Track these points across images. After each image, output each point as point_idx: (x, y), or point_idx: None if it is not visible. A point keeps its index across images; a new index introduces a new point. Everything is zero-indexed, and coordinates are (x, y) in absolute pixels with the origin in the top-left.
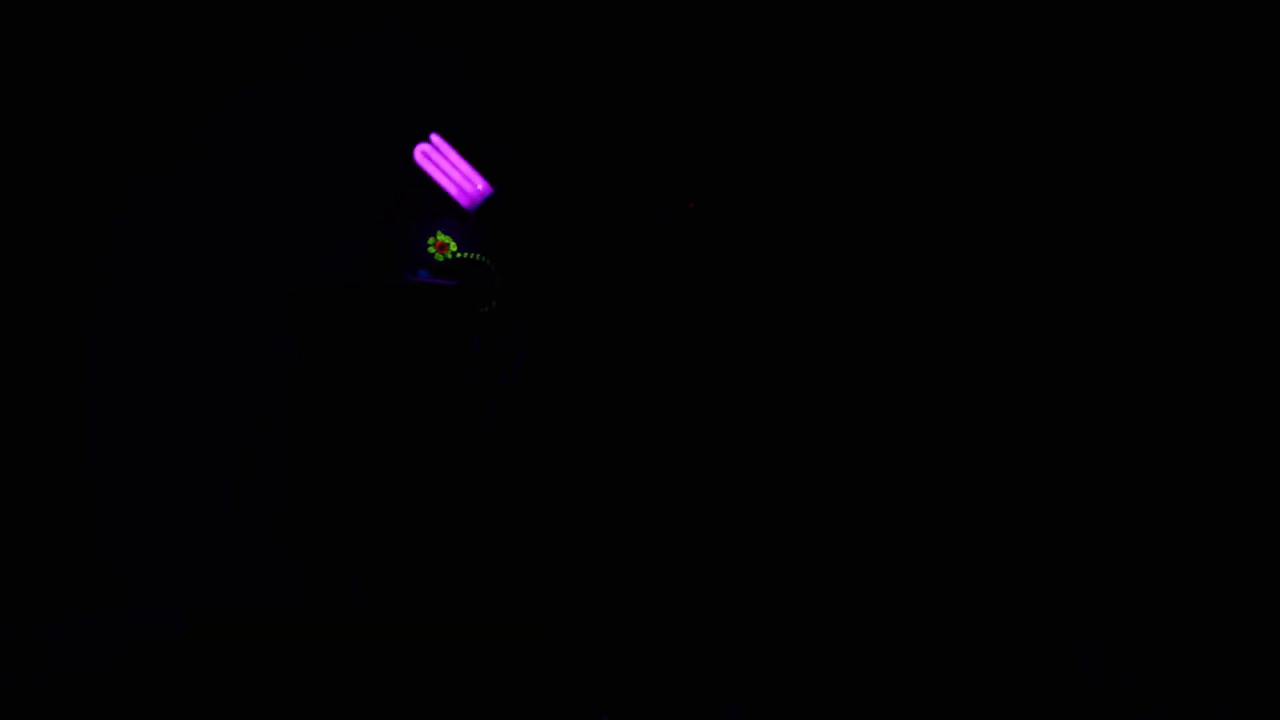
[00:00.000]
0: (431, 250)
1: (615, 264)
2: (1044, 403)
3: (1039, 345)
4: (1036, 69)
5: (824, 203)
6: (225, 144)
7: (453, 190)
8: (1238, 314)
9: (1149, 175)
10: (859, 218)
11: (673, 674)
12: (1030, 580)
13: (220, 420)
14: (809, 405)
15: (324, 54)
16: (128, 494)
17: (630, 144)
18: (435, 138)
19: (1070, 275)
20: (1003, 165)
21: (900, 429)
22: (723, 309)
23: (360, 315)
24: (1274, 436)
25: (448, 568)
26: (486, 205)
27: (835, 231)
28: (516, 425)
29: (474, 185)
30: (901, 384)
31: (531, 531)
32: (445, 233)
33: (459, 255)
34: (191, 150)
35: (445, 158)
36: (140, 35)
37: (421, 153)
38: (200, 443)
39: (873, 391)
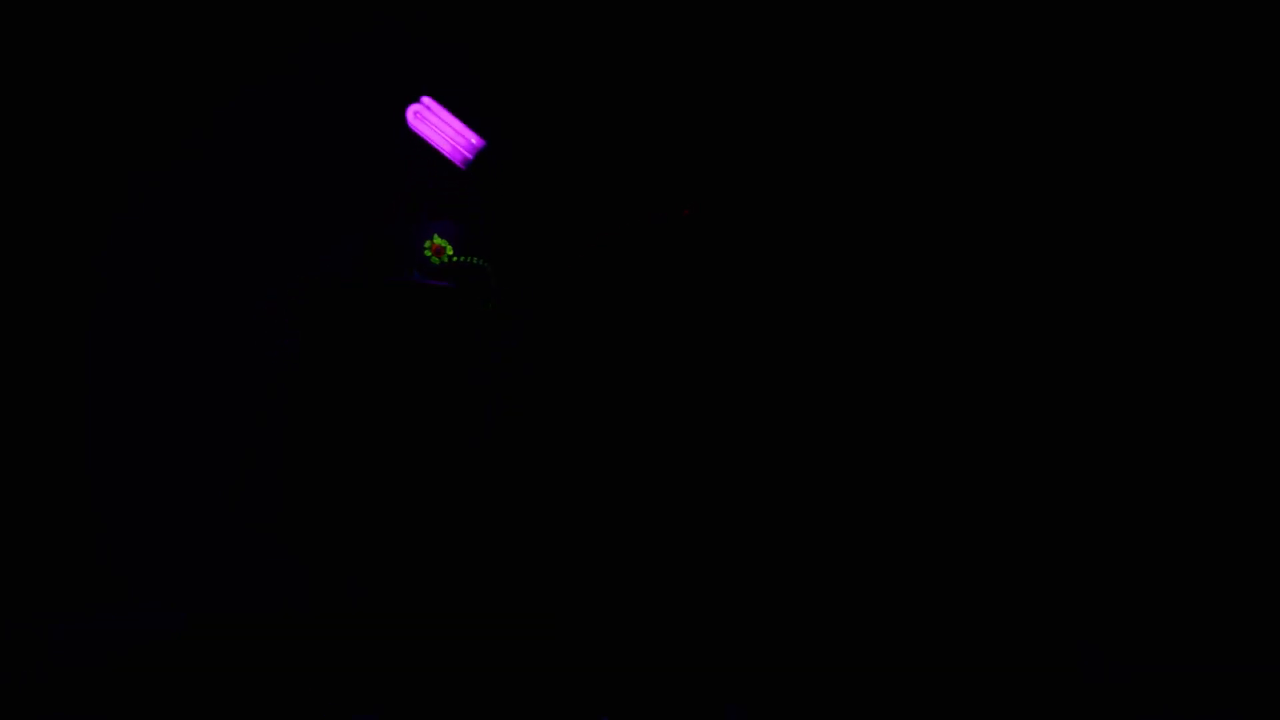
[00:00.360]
0: (428, 253)
1: (614, 263)
2: (1044, 403)
3: (1039, 345)
4: (1032, 70)
5: (822, 204)
6: (225, 144)
7: (446, 148)
8: (1238, 314)
9: (1149, 176)
10: (859, 219)
11: (673, 674)
12: (1030, 580)
13: (220, 420)
14: (809, 405)
15: (324, 54)
16: (128, 494)
17: (630, 144)
18: (426, 99)
19: (1070, 275)
20: (1001, 168)
21: (900, 429)
22: (723, 308)
23: (360, 315)
24: (1274, 436)
25: (448, 568)
26: (483, 194)
27: (834, 232)
28: (517, 425)
29: (467, 139)
30: (901, 384)
31: (531, 531)
32: (442, 236)
33: (455, 259)
34: (191, 150)
35: (437, 116)
36: (140, 35)
37: (414, 113)
38: (200, 443)
39: (872, 391)
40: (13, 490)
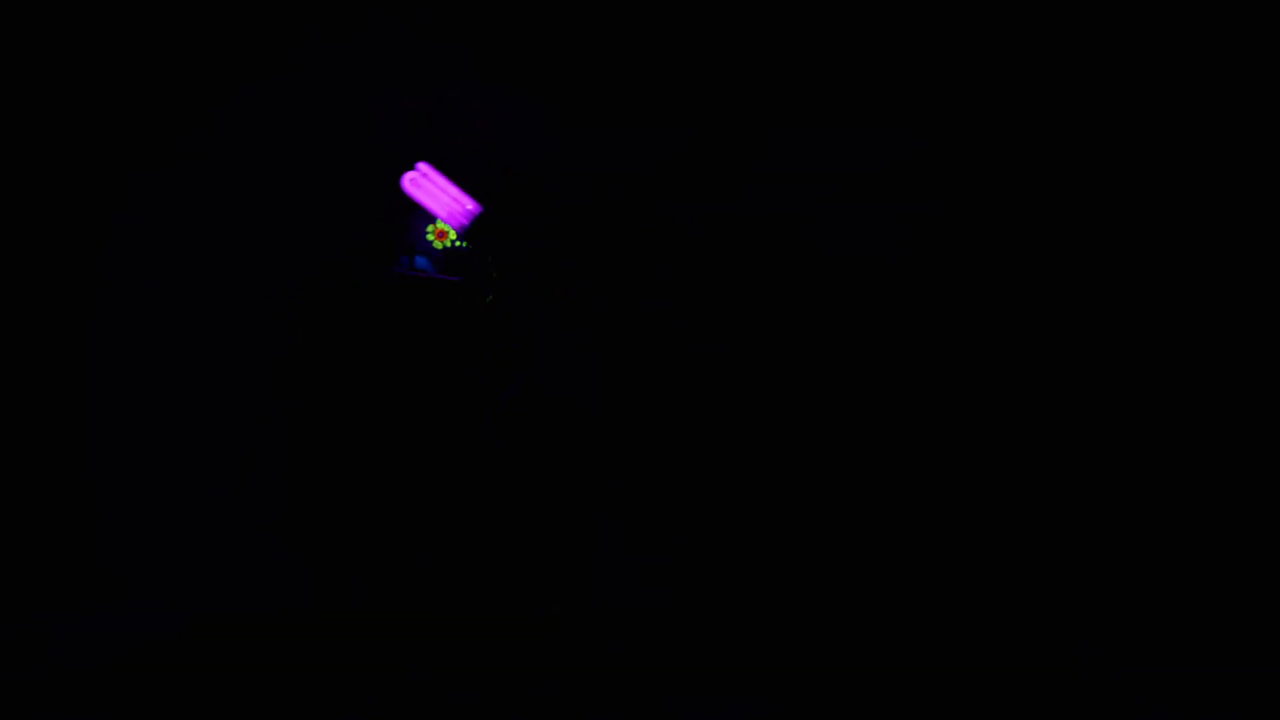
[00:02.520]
0: (430, 238)
1: (615, 267)
2: (1044, 405)
3: (1039, 348)
4: (1027, 71)
5: (819, 207)
6: (225, 144)
7: (442, 214)
8: (1238, 315)
9: (1147, 176)
10: (857, 220)
11: (673, 674)
12: (1030, 581)
13: (220, 420)
14: (812, 407)
15: (324, 54)
16: (128, 494)
17: (628, 148)
18: (422, 165)
19: (1070, 278)
20: (997, 172)
21: (901, 432)
22: (726, 311)
23: (361, 314)
24: (1274, 437)
25: (448, 568)
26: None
27: (834, 236)
28: (517, 427)
29: (463, 206)
30: (901, 386)
31: (531, 532)
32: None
33: (458, 244)
34: (191, 150)
35: (433, 182)
36: (140, 35)
37: (410, 180)
38: (200, 443)
39: (873, 395)
40: (13, 490)
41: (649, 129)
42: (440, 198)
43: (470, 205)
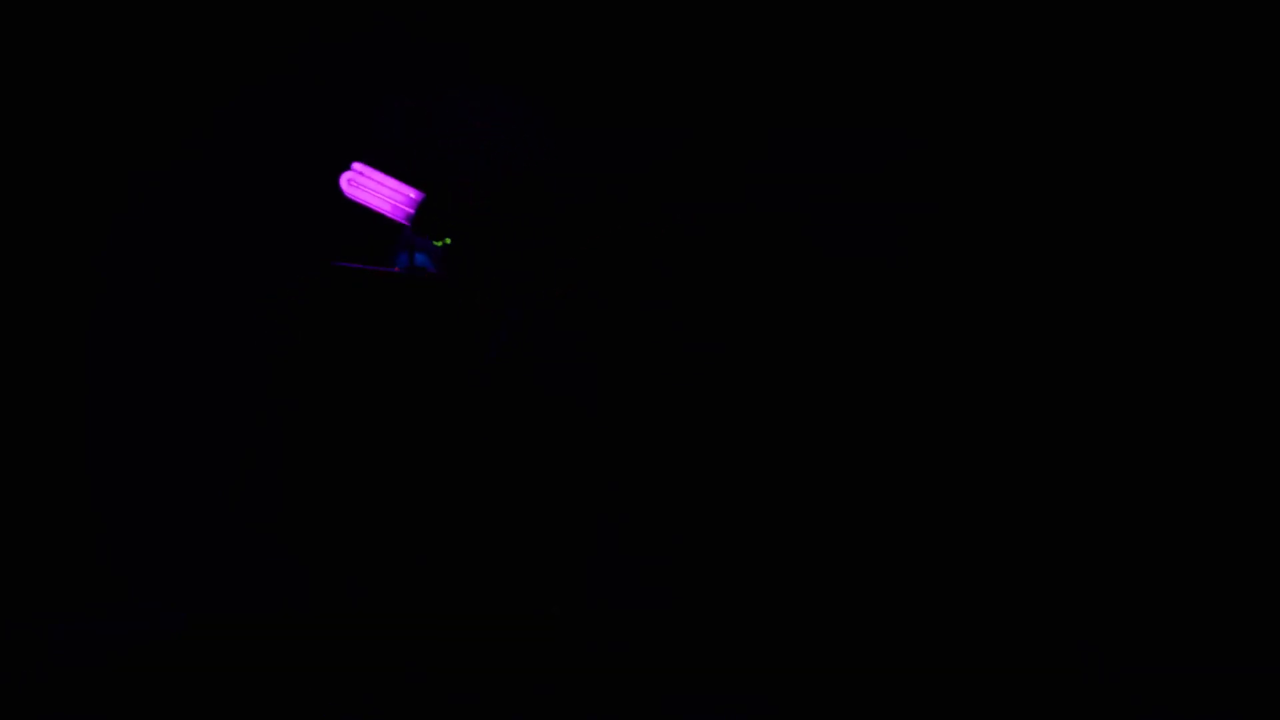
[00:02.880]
0: None
1: (615, 267)
2: (1044, 405)
3: (1039, 348)
4: (1022, 71)
5: (815, 206)
6: (225, 144)
7: (387, 208)
8: (1238, 314)
9: (1149, 176)
10: (856, 218)
11: (673, 674)
12: (1030, 581)
13: (220, 420)
14: (812, 407)
15: (324, 54)
16: (128, 494)
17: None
18: (358, 165)
19: (1069, 276)
20: (996, 170)
21: (900, 432)
22: (726, 311)
23: (360, 313)
24: (1274, 436)
25: (448, 568)
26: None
27: (830, 234)
28: (516, 425)
29: (405, 195)
30: (902, 386)
31: (532, 532)
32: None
33: (441, 243)
34: (191, 150)
35: (371, 179)
36: (140, 35)
37: (348, 181)
38: (200, 442)
39: (873, 395)
40: (13, 490)
41: (649, 129)
42: (381, 192)
43: (412, 194)
